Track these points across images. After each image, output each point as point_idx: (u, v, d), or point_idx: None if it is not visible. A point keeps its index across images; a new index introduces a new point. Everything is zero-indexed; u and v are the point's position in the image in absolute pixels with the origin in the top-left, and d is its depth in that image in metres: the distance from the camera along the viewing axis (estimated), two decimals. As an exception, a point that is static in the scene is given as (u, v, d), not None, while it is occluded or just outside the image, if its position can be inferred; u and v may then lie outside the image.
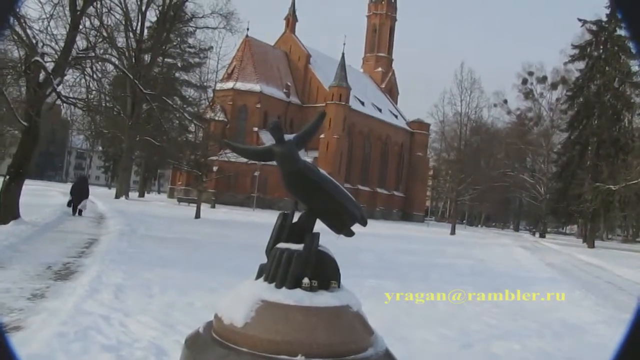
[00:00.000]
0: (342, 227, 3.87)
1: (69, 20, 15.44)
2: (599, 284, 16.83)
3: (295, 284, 3.41)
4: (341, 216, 3.81)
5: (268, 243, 3.69)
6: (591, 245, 44.73)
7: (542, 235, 63.98)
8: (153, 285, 8.17)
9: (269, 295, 3.34)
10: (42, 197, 30.12)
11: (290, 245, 3.56)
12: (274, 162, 3.82)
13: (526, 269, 18.34)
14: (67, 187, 48.30)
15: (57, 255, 10.84)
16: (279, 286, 3.41)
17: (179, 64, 57.20)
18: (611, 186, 34.20)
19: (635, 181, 32.57)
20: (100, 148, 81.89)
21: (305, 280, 3.42)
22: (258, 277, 3.60)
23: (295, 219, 3.78)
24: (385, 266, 14.48)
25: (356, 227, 3.85)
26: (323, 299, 3.38)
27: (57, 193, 38.25)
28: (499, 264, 19.53)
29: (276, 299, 3.31)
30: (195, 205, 32.32)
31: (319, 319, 3.29)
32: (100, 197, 36.29)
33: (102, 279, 8.19)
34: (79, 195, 22.79)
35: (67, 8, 15.33)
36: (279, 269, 3.47)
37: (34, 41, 14.41)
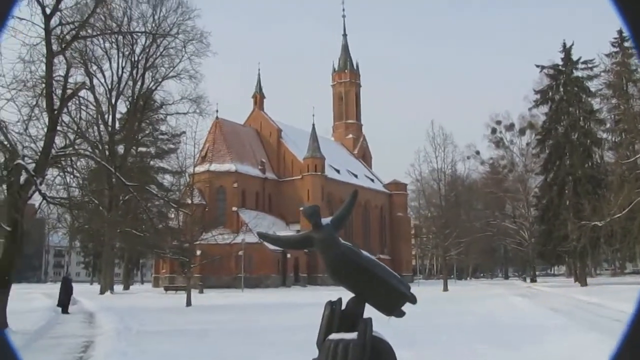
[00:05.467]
0: (393, 308, 3.69)
1: (47, 120, 15.39)
2: (607, 323, 16.55)
3: (355, 376, 3.20)
4: (391, 297, 3.63)
5: (318, 335, 3.48)
6: (584, 284, 44.73)
7: (533, 280, 63.77)
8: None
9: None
10: (26, 301, 29.08)
11: (342, 335, 3.36)
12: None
13: (532, 317, 18.06)
14: (48, 287, 46.85)
15: (55, 365, 10.31)
16: (337, 382, 3.20)
17: (153, 152, 57.24)
18: (597, 222, 34.37)
19: (619, 215, 32.78)
20: (79, 244, 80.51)
21: (365, 372, 3.21)
22: (313, 373, 3.39)
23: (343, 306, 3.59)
24: (392, 332, 14.06)
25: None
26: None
27: (40, 295, 37.11)
28: (503, 316, 19.21)
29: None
30: (182, 292, 31.55)
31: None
32: (84, 294, 35.27)
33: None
34: (66, 294, 23.72)
35: (44, 109, 15.30)
36: (336, 363, 3.26)
37: (14, 144, 14.25)
